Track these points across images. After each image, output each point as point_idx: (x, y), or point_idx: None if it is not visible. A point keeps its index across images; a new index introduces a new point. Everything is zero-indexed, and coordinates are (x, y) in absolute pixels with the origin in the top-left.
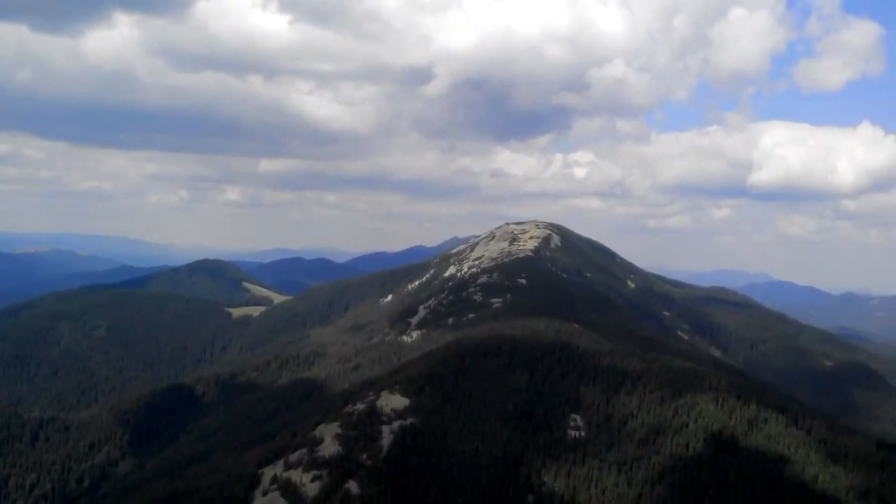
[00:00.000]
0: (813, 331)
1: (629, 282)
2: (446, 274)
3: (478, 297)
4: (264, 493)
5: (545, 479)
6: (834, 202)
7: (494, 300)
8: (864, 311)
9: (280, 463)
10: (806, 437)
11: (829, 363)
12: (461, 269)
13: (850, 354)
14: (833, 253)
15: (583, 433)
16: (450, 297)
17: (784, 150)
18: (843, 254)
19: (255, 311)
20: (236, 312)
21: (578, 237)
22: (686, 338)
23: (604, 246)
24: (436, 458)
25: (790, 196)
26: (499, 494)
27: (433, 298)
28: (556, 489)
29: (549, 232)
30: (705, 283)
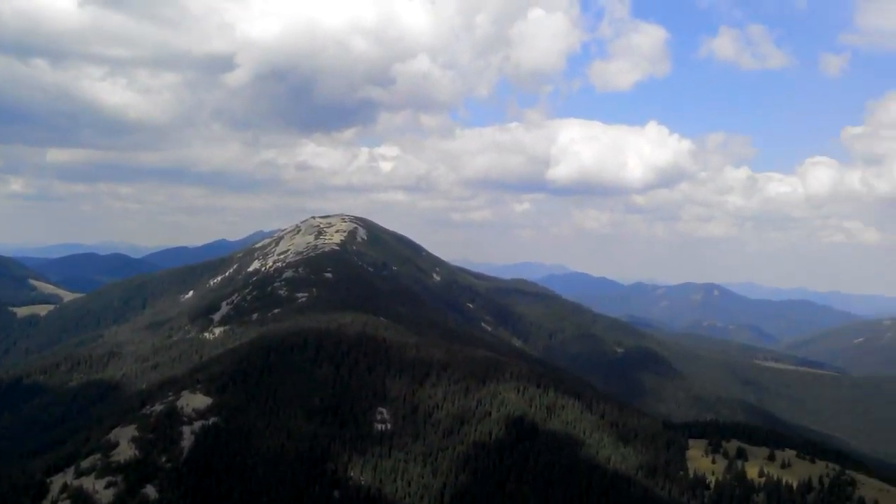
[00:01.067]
0: (606, 319)
1: (434, 275)
2: (250, 269)
3: (283, 292)
4: (53, 503)
5: (351, 474)
6: (624, 197)
7: (300, 295)
8: (651, 300)
9: (70, 470)
10: (599, 420)
11: (620, 350)
12: (266, 264)
13: (639, 341)
14: (624, 245)
15: (389, 426)
16: (254, 293)
17: (579, 146)
18: (632, 246)
19: (43, 309)
20: (21, 311)
21: (384, 231)
22: (489, 329)
23: (410, 239)
24: (240, 458)
25: (585, 191)
26: (305, 491)
27: (237, 294)
28: (363, 483)
29: (355, 226)
30: (507, 276)
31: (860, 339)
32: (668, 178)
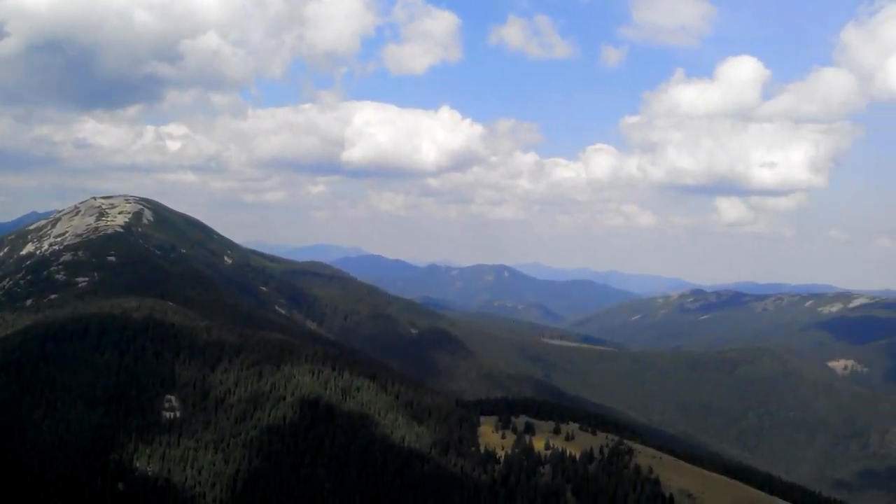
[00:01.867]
0: (401, 301)
1: (226, 257)
2: (24, 252)
3: (61, 277)
4: None
5: (137, 464)
6: (419, 180)
7: (80, 279)
8: (446, 282)
9: None
10: (394, 401)
11: (414, 331)
12: (41, 247)
13: (433, 321)
14: (419, 228)
15: (178, 413)
16: (28, 277)
17: (374, 129)
18: (427, 229)
19: None
20: None
21: (173, 212)
22: (284, 312)
23: (200, 221)
24: (12, 454)
25: (381, 173)
26: (86, 485)
27: (8, 279)
28: (150, 473)
29: (140, 207)
30: (302, 258)
31: (637, 317)
32: (461, 162)
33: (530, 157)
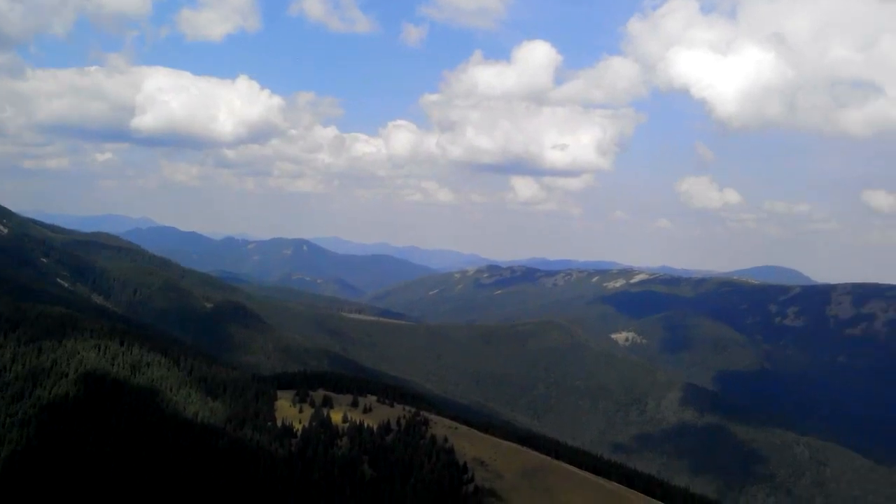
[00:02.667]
0: (195, 274)
1: (2, 227)
2: None
3: None
4: None
5: None
6: (215, 150)
7: None
8: (243, 255)
9: None
10: (187, 376)
11: (209, 304)
12: None
13: (229, 295)
14: (214, 200)
15: None
16: None
17: (167, 96)
18: (223, 201)
19: None
20: None
21: None
22: (67, 285)
23: None
24: None
25: (174, 142)
26: None
27: None
28: None
29: None
30: (88, 229)
31: (435, 291)
32: (259, 134)
33: (330, 132)
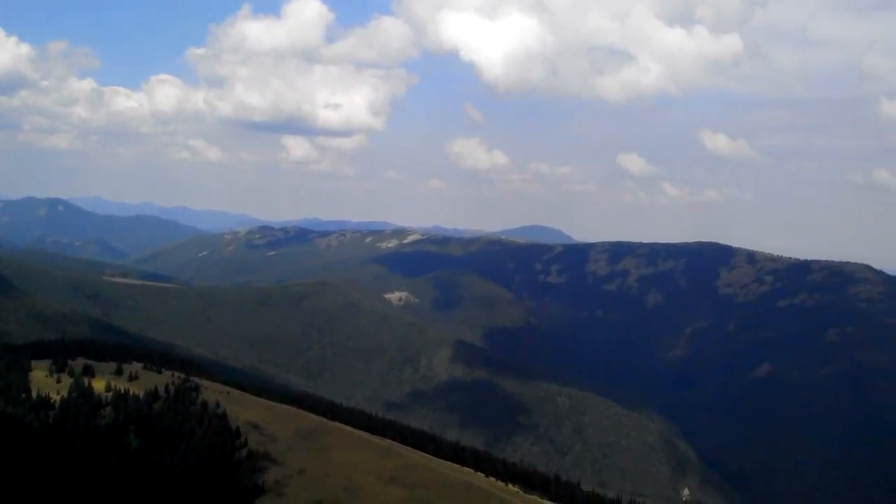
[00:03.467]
0: None
1: None
2: None
3: None
4: None
5: None
6: None
7: None
8: None
9: None
10: None
11: None
12: None
13: None
14: None
15: None
16: None
17: None
18: None
19: None
20: None
21: None
22: None
23: None
24: None
25: None
26: None
27: None
28: None
29: None
30: None
31: (205, 253)
32: (5, 85)
33: (87, 84)
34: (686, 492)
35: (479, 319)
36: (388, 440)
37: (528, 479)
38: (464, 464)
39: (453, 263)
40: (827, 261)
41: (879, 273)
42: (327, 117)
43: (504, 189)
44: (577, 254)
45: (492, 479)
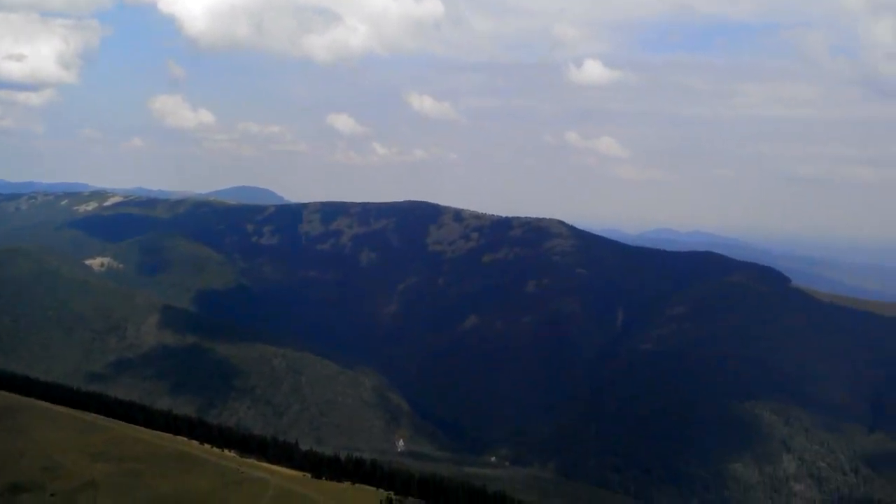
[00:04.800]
0: None
1: None
2: None
3: None
4: None
5: None
6: None
7: None
8: None
9: None
10: None
11: None
12: None
13: None
14: None
15: None
16: None
17: None
18: None
19: None
20: None
21: None
22: None
23: None
24: None
25: None
26: None
27: None
28: None
29: None
30: None
31: None
32: None
33: None
34: (401, 442)
35: (188, 283)
36: (92, 414)
37: (245, 443)
38: (177, 432)
39: (159, 226)
40: (525, 217)
41: (571, 228)
42: (11, 69)
43: (211, 149)
44: (290, 214)
45: (207, 445)
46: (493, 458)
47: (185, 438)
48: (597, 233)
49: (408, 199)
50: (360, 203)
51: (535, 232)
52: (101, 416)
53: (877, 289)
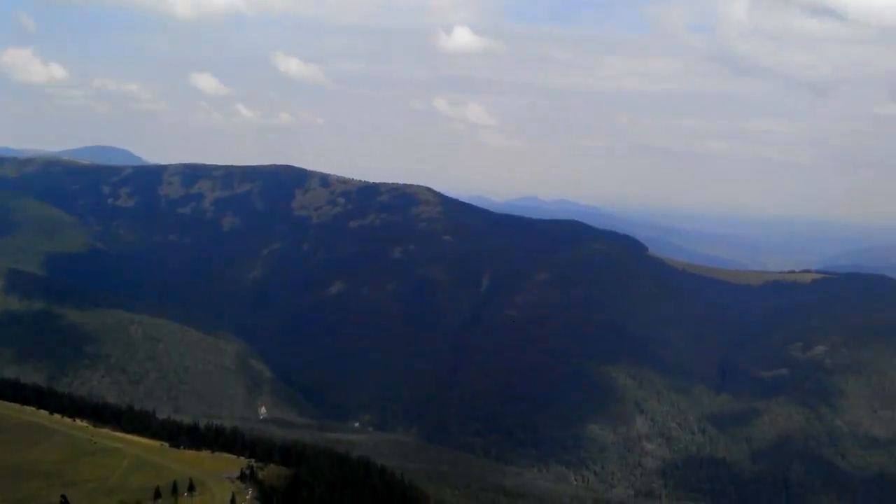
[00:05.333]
0: None
1: None
2: None
3: None
4: None
5: None
6: None
7: None
8: None
9: None
10: None
11: None
12: None
13: None
14: None
15: None
16: None
17: None
18: None
19: None
20: None
21: None
22: None
23: None
24: None
25: None
26: None
27: None
28: None
29: None
30: None
31: None
32: None
33: None
34: (263, 409)
35: (37, 246)
36: None
37: (98, 413)
38: (25, 402)
39: (6, 186)
40: (393, 183)
41: (438, 194)
42: None
43: (64, 106)
44: (149, 176)
45: (57, 416)
46: (356, 424)
47: (34, 408)
48: (464, 200)
49: (273, 163)
50: (223, 166)
51: (403, 198)
52: None
53: (727, 257)
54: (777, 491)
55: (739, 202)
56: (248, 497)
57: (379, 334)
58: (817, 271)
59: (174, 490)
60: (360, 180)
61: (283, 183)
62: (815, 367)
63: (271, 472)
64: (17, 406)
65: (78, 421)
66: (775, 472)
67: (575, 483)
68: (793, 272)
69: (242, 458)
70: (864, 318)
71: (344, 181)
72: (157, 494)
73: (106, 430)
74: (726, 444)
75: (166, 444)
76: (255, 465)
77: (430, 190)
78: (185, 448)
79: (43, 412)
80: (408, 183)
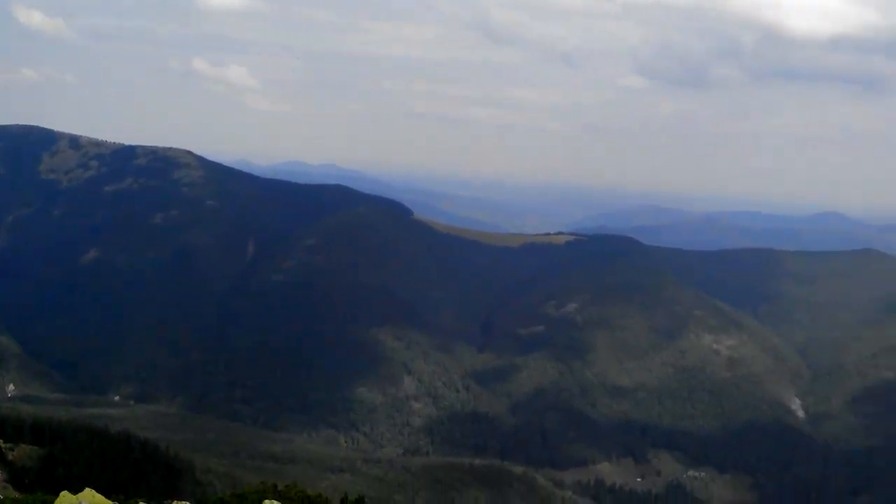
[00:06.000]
0: None
1: None
2: None
3: None
4: None
5: None
6: None
7: None
8: None
9: None
10: None
11: None
12: None
13: None
14: None
15: None
16: None
17: None
18: None
19: None
20: None
21: None
22: None
23: None
24: None
25: None
26: None
27: None
28: None
29: None
30: None
31: None
32: None
33: None
34: (11, 387)
35: None
36: None
37: None
38: None
39: None
40: (151, 146)
41: (200, 159)
42: None
43: None
44: None
45: None
46: (116, 398)
47: None
48: (227, 164)
49: (16, 122)
50: None
51: (162, 162)
52: None
53: (487, 220)
54: (535, 441)
55: (499, 168)
56: None
57: (139, 303)
58: (569, 233)
59: None
60: (114, 143)
61: (28, 145)
62: (568, 323)
63: (22, 452)
64: None
65: None
66: (533, 424)
67: (345, 445)
68: (548, 234)
69: None
70: (610, 276)
71: (97, 143)
72: None
73: None
74: (489, 400)
75: None
76: (3, 445)
77: (190, 153)
78: None
79: None
80: (167, 146)
